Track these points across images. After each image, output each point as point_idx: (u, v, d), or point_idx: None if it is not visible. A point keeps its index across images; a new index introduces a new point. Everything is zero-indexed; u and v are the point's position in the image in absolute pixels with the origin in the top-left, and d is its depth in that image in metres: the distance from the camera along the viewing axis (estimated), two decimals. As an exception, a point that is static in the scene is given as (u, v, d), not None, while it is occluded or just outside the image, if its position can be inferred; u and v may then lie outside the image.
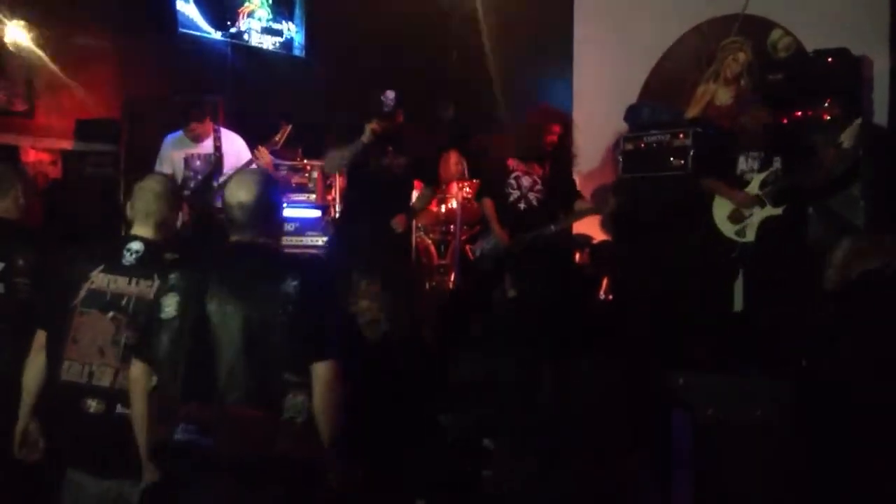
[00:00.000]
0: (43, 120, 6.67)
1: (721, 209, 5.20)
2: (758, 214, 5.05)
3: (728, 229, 5.17)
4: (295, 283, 2.62)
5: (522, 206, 5.55)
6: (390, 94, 5.22)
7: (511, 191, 5.56)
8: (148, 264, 2.92)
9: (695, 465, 4.06)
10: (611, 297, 6.22)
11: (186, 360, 2.63)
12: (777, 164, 5.03)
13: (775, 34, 6.27)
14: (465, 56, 7.68)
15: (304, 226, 6.38)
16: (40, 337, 3.03)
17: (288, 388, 2.59)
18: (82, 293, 2.92)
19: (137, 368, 2.71)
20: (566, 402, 2.64)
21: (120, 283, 2.90)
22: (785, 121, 5.45)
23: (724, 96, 6.61)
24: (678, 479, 4.04)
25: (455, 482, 2.80)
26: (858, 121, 4.96)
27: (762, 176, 5.05)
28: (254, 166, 5.60)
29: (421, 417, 2.99)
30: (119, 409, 2.85)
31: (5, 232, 3.61)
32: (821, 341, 3.66)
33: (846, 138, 4.84)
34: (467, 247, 6.80)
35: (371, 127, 5.16)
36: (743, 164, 5.15)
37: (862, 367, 3.36)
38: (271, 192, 2.83)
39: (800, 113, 5.45)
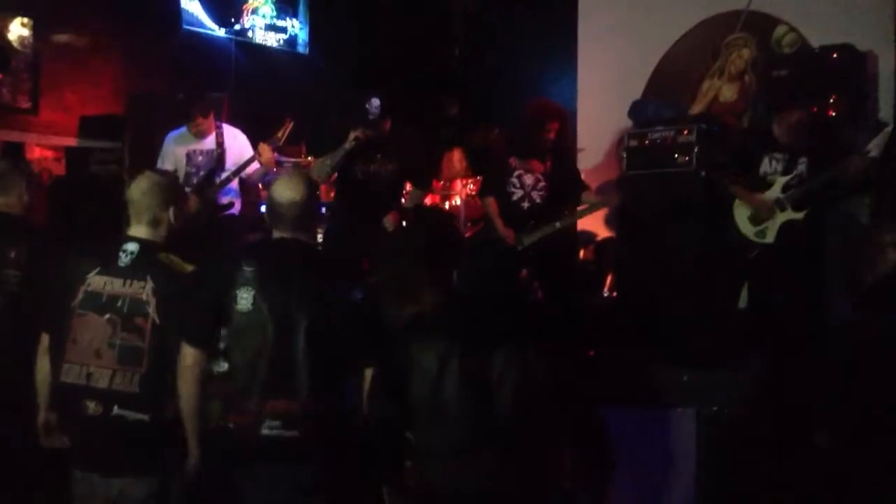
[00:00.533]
0: (47, 117, 6.68)
1: (742, 209, 5.13)
2: (779, 218, 4.98)
3: (749, 230, 5.09)
4: (360, 294, 2.94)
5: (526, 204, 5.53)
6: (375, 102, 5.27)
7: (514, 189, 5.53)
8: (142, 265, 2.92)
9: (698, 461, 4.07)
10: (615, 294, 6.21)
11: (267, 356, 2.80)
12: (802, 166, 4.94)
13: (780, 30, 6.24)
14: (470, 53, 7.68)
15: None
16: (44, 339, 3.04)
17: (345, 389, 2.89)
18: (80, 295, 2.92)
19: (190, 355, 2.82)
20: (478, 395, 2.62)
21: (115, 285, 2.90)
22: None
23: (728, 92, 6.58)
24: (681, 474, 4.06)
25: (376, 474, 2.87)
26: (888, 129, 4.85)
27: (785, 179, 4.97)
28: (255, 164, 5.59)
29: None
30: (116, 410, 2.86)
31: (9, 227, 3.62)
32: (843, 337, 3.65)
33: (874, 147, 4.71)
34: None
35: (355, 134, 5.19)
36: (767, 165, 5.04)
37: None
38: (316, 193, 3.09)
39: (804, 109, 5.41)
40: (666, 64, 6.88)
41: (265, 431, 2.79)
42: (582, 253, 6.66)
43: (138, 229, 2.99)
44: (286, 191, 2.91)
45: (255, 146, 5.78)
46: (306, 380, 2.81)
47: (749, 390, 4.34)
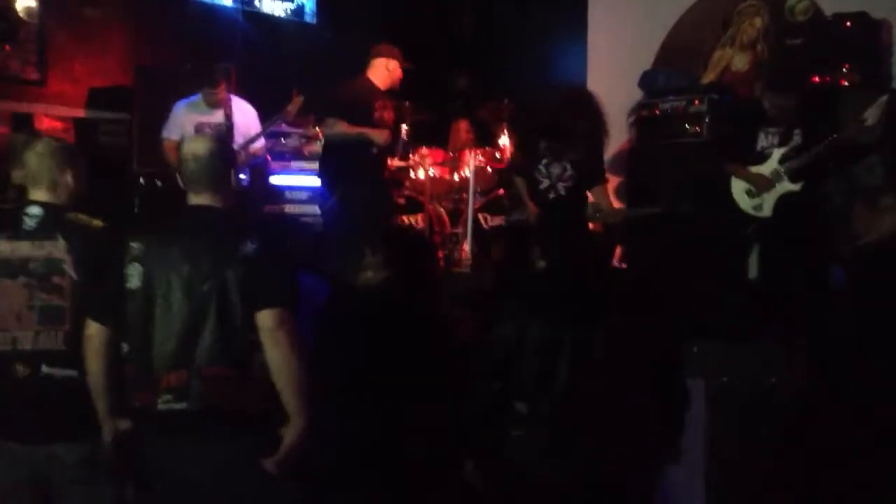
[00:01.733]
0: (56, 88, 6.67)
1: (739, 183, 5.12)
2: (775, 190, 4.97)
3: (745, 204, 5.09)
4: (254, 245, 2.71)
5: (552, 195, 5.36)
6: None
7: (541, 178, 5.37)
8: (50, 226, 2.92)
9: (708, 434, 4.08)
10: (624, 265, 6.20)
11: (158, 329, 2.70)
12: (797, 138, 4.92)
13: (793, -2, 6.17)
14: (479, 23, 7.62)
15: (317, 194, 6.35)
16: None
17: (254, 347, 2.68)
18: None
19: (92, 328, 2.77)
20: (586, 370, 2.71)
21: (24, 248, 2.90)
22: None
23: (740, 62, 6.52)
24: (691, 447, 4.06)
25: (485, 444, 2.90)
26: (884, 98, 4.78)
27: (782, 151, 4.96)
28: (261, 141, 5.62)
29: (450, 382, 3.05)
30: (44, 369, 2.87)
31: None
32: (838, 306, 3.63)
33: (870, 115, 4.69)
34: (480, 215, 6.79)
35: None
36: (763, 140, 5.04)
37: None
38: (226, 150, 2.98)
39: (817, 79, 5.37)
40: (677, 33, 6.81)
41: (161, 406, 2.69)
42: (591, 224, 6.62)
43: (38, 193, 2.99)
44: (193, 145, 2.87)
45: (261, 117, 5.77)
46: (200, 347, 2.68)
47: (759, 362, 4.33)
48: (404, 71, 5.78)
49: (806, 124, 4.89)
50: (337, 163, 5.64)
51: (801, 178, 4.87)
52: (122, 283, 2.73)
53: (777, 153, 4.96)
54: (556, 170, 5.39)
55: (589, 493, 2.79)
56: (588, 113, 5.37)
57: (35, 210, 2.95)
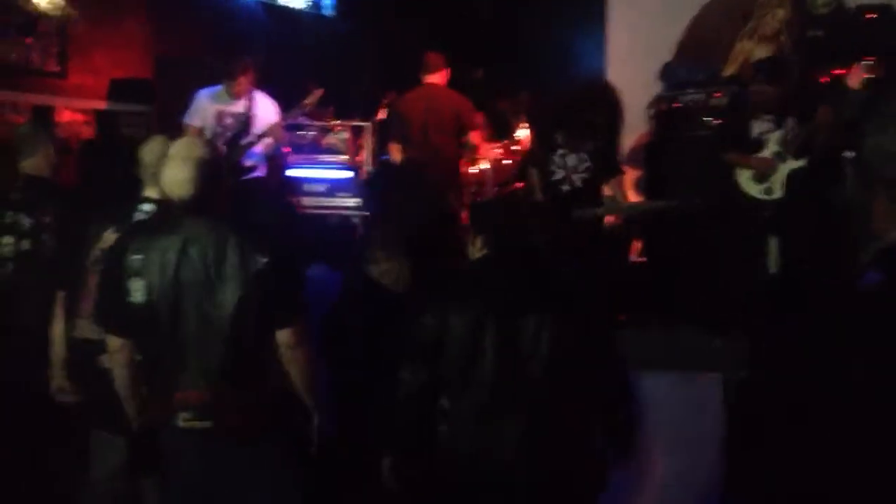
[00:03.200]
0: (76, 80, 6.70)
1: (743, 171, 5.11)
2: (782, 169, 4.96)
3: (754, 190, 5.08)
4: (265, 260, 2.67)
5: (566, 187, 5.33)
6: None
7: (556, 169, 5.34)
8: (160, 222, 2.93)
9: (726, 427, 4.05)
10: (643, 259, 6.17)
11: (168, 344, 2.68)
12: (791, 121, 4.96)
13: (815, -11, 6.10)
14: (497, 16, 7.59)
15: (335, 187, 6.36)
16: (60, 297, 3.12)
17: (268, 360, 2.72)
18: (95, 252, 2.98)
19: (114, 342, 2.78)
20: (513, 360, 2.64)
21: None
22: (826, 79, 5.32)
23: (761, 54, 6.44)
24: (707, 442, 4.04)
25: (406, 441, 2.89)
26: (865, 62, 4.86)
27: (779, 133, 4.97)
28: (268, 139, 5.64)
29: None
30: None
31: (35, 189, 3.66)
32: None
33: (850, 80, 4.78)
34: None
35: None
36: (758, 127, 5.06)
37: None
38: (211, 165, 2.76)
39: (840, 70, 5.31)
40: (697, 25, 6.75)
41: (179, 423, 2.70)
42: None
43: (151, 190, 3.04)
44: (179, 175, 2.69)
45: (282, 109, 5.78)
46: (219, 365, 2.67)
47: (777, 356, 4.29)
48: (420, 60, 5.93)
49: (796, 110, 4.93)
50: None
51: (804, 154, 4.85)
52: (127, 298, 2.69)
53: (775, 136, 4.97)
54: (571, 161, 5.35)
55: (516, 491, 2.72)
56: (606, 104, 5.37)
57: (147, 207, 3.02)
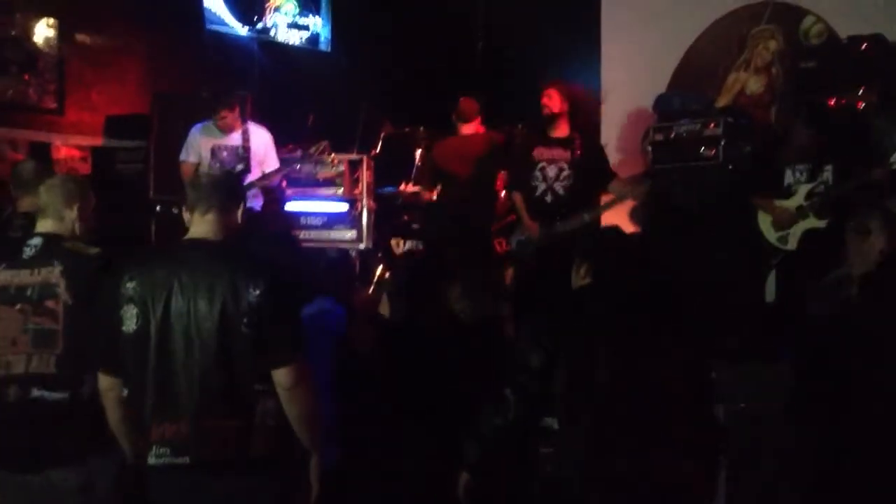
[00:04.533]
0: (73, 117, 6.74)
1: (766, 214, 5.14)
2: (801, 225, 4.98)
3: (771, 235, 5.12)
4: (258, 291, 2.57)
5: (549, 198, 5.48)
6: None
7: (537, 183, 5.49)
8: (47, 253, 2.98)
9: (728, 457, 4.02)
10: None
11: (153, 375, 2.59)
12: (827, 173, 4.94)
13: (807, 21, 6.15)
14: (492, 48, 7.64)
15: (332, 220, 6.36)
16: None
17: (259, 395, 2.61)
18: None
19: (105, 381, 2.72)
20: (622, 387, 2.70)
21: (23, 276, 2.95)
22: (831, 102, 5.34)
23: (755, 85, 6.50)
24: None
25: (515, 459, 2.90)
26: None
27: (809, 186, 4.98)
28: (276, 177, 5.67)
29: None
30: (34, 392, 2.89)
31: (33, 227, 3.64)
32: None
33: None
34: (495, 241, 6.77)
35: None
36: (790, 176, 5.08)
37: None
38: (234, 181, 2.95)
39: (833, 101, 5.35)
40: (691, 56, 6.80)
41: (151, 461, 2.58)
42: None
43: (43, 224, 3.07)
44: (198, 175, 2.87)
45: (278, 146, 5.80)
46: (200, 396, 2.56)
47: (776, 386, 4.28)
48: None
49: (837, 160, 4.89)
50: None
51: (827, 215, 4.85)
52: (120, 327, 2.62)
53: (804, 189, 4.98)
54: (551, 172, 5.45)
55: None
56: (549, 89, 5.48)
57: (35, 240, 3.02)
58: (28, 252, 2.99)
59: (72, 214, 3.07)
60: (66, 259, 2.95)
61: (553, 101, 5.50)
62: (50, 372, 2.90)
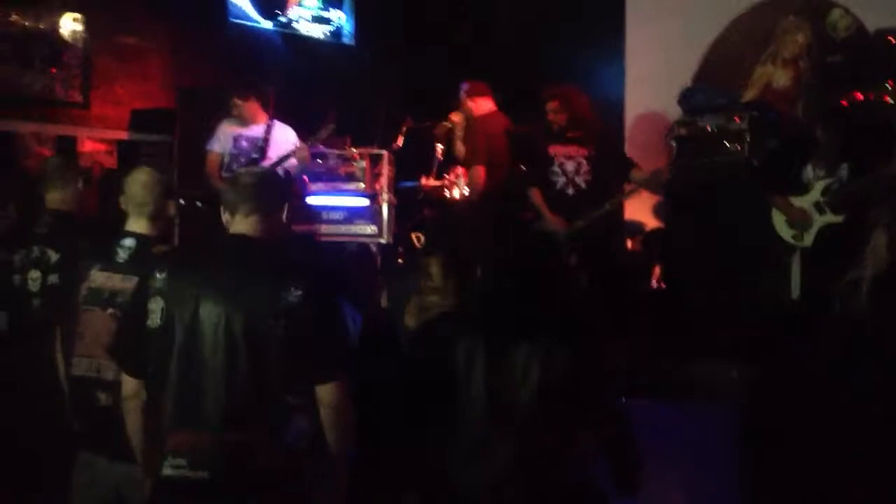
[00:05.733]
0: (99, 110, 6.78)
1: (780, 211, 5.12)
2: (817, 221, 4.95)
3: (786, 233, 5.12)
4: (299, 292, 2.33)
5: (571, 191, 5.54)
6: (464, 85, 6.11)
7: (556, 178, 5.55)
8: (140, 260, 2.93)
9: (741, 457, 3.99)
10: (664, 285, 6.11)
11: (176, 377, 2.37)
12: (843, 171, 4.92)
13: (835, 14, 6.06)
14: (517, 41, 7.59)
15: (353, 214, 6.38)
16: (58, 333, 3.10)
17: (290, 412, 2.36)
18: (84, 291, 2.97)
19: (129, 386, 2.57)
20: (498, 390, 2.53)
21: (115, 280, 2.93)
22: (845, 103, 5.29)
23: (782, 78, 6.41)
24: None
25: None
26: None
27: (825, 182, 4.95)
28: (293, 160, 5.65)
29: None
30: None
31: (62, 224, 3.68)
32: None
33: None
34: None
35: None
36: (809, 172, 5.09)
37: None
38: (276, 179, 2.73)
39: (861, 95, 5.27)
40: (717, 50, 6.72)
41: (166, 471, 2.34)
42: (630, 243, 6.57)
43: (135, 223, 3.01)
44: (244, 174, 2.66)
45: (301, 138, 5.82)
46: (225, 405, 2.32)
47: (795, 386, 4.24)
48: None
49: (854, 157, 4.86)
50: None
51: (845, 210, 4.81)
52: (144, 321, 2.43)
53: (820, 185, 4.98)
54: (570, 167, 5.51)
55: None
56: (552, 103, 5.52)
57: (128, 242, 2.96)
58: (121, 255, 2.95)
59: (165, 214, 3.05)
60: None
61: (559, 115, 5.56)
62: None
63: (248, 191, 2.52)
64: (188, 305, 2.38)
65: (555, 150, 5.57)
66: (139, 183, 3.01)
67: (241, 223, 2.50)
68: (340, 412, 2.39)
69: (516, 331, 2.50)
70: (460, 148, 6.21)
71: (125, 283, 2.91)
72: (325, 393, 2.36)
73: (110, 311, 2.91)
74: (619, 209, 6.08)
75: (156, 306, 2.41)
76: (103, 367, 2.92)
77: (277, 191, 2.68)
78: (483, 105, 6.08)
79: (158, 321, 2.41)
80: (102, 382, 2.92)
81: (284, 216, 2.75)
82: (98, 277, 2.95)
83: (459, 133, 6.17)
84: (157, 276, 2.45)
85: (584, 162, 5.50)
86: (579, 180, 5.51)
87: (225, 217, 2.56)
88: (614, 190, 5.67)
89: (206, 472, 2.31)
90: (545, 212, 5.55)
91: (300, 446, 2.39)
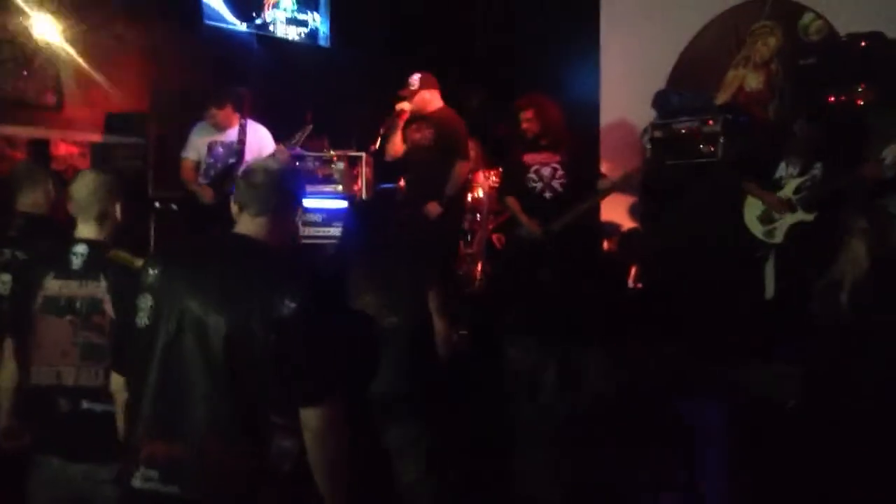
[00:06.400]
0: (72, 113, 6.69)
1: (752, 208, 5.21)
2: (788, 218, 5.02)
3: (757, 229, 5.19)
4: (293, 305, 2.16)
5: (548, 195, 5.58)
6: (414, 76, 5.75)
7: (534, 183, 5.59)
8: (94, 265, 2.91)
9: (729, 455, 4.03)
10: (640, 285, 6.17)
11: (154, 382, 2.23)
12: (817, 170, 4.99)
13: (807, 18, 6.16)
14: (493, 44, 7.63)
15: (331, 216, 6.38)
16: (8, 344, 3.04)
17: (275, 430, 2.21)
18: (39, 300, 2.93)
19: (115, 380, 2.53)
20: (572, 393, 2.58)
21: (71, 287, 2.90)
22: (832, 99, 5.36)
23: (754, 81, 6.51)
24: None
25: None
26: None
27: (798, 181, 5.03)
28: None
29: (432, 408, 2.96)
30: (84, 404, 2.88)
31: (33, 227, 3.64)
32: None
33: (889, 154, 4.69)
34: (493, 236, 6.79)
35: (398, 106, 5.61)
36: (782, 169, 5.14)
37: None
38: (292, 179, 2.48)
39: (832, 98, 5.36)
40: (690, 53, 6.81)
41: (136, 483, 2.19)
42: (606, 244, 6.63)
43: (84, 228, 2.98)
44: (253, 172, 2.43)
45: (276, 141, 5.80)
46: (205, 416, 2.16)
47: (778, 383, 4.30)
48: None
49: (828, 157, 4.93)
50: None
51: (815, 209, 4.89)
52: (133, 318, 2.31)
53: (793, 183, 5.03)
54: (546, 172, 5.56)
55: None
56: (526, 112, 5.55)
57: (81, 248, 2.93)
58: (75, 262, 2.92)
59: (114, 215, 3.00)
60: (112, 273, 2.88)
61: (533, 123, 5.57)
62: (98, 385, 2.86)
63: (260, 190, 2.36)
64: (175, 306, 2.23)
65: (530, 157, 5.62)
66: (82, 186, 2.97)
67: (247, 223, 2.37)
68: (325, 440, 2.21)
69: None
70: (397, 142, 5.94)
71: (82, 290, 2.89)
72: (310, 417, 2.19)
73: (69, 317, 2.89)
74: (595, 211, 6.13)
75: (144, 304, 2.29)
76: (63, 373, 2.90)
77: (292, 191, 2.48)
78: (436, 99, 5.88)
79: (146, 320, 2.28)
80: (63, 388, 2.89)
81: (298, 219, 2.52)
82: (53, 285, 2.92)
83: (399, 124, 5.89)
84: (150, 271, 2.32)
85: (559, 167, 5.55)
86: (556, 184, 5.56)
87: (234, 209, 2.41)
88: (589, 193, 5.72)
89: (178, 487, 2.16)
90: (522, 217, 5.61)
91: (282, 468, 2.23)
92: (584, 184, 5.63)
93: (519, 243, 5.69)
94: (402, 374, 3.35)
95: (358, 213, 4.06)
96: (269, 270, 2.27)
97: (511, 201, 5.73)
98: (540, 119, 5.57)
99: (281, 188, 2.39)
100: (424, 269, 3.49)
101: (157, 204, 6.25)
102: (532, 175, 5.58)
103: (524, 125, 5.61)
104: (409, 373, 3.36)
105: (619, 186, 5.77)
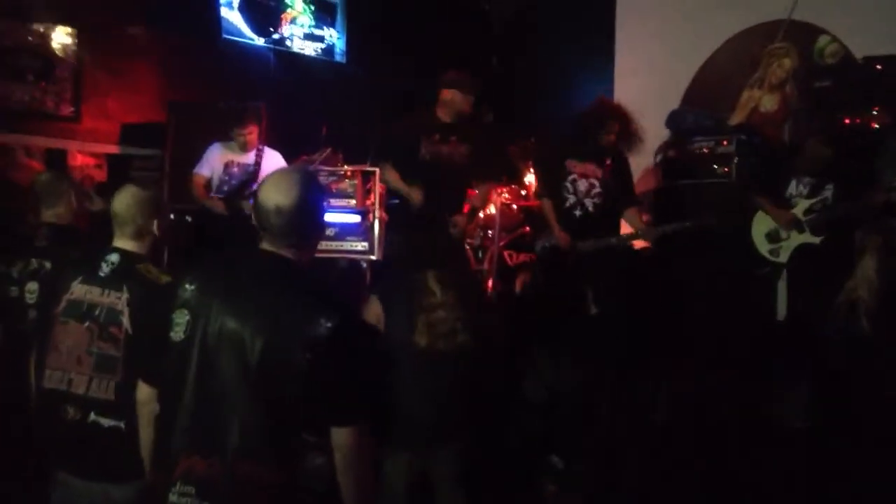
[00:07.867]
0: (89, 124, 6.78)
1: (760, 225, 5.19)
2: (795, 239, 5.01)
3: (763, 247, 5.16)
4: (329, 325, 2.17)
5: (578, 213, 5.38)
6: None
7: (567, 195, 5.39)
8: (120, 275, 2.93)
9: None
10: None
11: (191, 398, 2.25)
12: (828, 191, 4.98)
13: (822, 40, 6.17)
14: (507, 62, 7.66)
15: (344, 231, 6.37)
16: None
17: (307, 449, 2.24)
18: (63, 303, 2.95)
19: (143, 392, 2.55)
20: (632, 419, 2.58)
21: (94, 294, 2.92)
22: (847, 121, 5.36)
23: (769, 103, 6.52)
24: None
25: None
26: None
27: (809, 202, 5.02)
28: None
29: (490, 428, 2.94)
30: (92, 416, 2.87)
31: (60, 237, 3.68)
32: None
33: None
34: (505, 252, 6.79)
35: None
36: (793, 188, 5.12)
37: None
38: (315, 195, 2.40)
39: (848, 121, 5.36)
40: (705, 73, 6.83)
41: (173, 499, 2.20)
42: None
43: (121, 241, 3.01)
44: (274, 193, 2.32)
45: (291, 159, 5.83)
46: (240, 433, 2.17)
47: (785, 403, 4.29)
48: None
49: (840, 179, 4.92)
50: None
51: (822, 233, 4.89)
52: (168, 333, 2.32)
53: (803, 203, 5.01)
54: (582, 186, 5.38)
55: None
56: (614, 124, 5.32)
57: (113, 257, 2.96)
58: (104, 269, 2.94)
59: (152, 231, 3.02)
60: (136, 286, 2.89)
61: (615, 136, 5.34)
62: (109, 398, 2.86)
63: (276, 221, 2.31)
64: (212, 323, 2.24)
65: (572, 164, 5.40)
66: (123, 201, 3.01)
67: (273, 241, 2.34)
68: (354, 459, 2.24)
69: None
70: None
71: (103, 298, 2.90)
72: (340, 436, 2.23)
73: (87, 324, 2.90)
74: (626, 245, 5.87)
75: (181, 319, 2.30)
76: (74, 381, 2.90)
77: (309, 225, 2.41)
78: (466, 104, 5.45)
79: (182, 335, 2.29)
80: (72, 396, 2.89)
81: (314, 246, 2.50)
82: (79, 290, 2.94)
83: None
84: (187, 286, 2.33)
85: (598, 185, 5.36)
86: (589, 203, 5.37)
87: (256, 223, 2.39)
88: (617, 218, 5.51)
89: (213, 503, 2.18)
90: (554, 225, 5.40)
91: (316, 487, 2.28)
92: (617, 206, 5.44)
93: (544, 252, 5.56)
94: (455, 397, 3.34)
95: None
96: (305, 290, 2.29)
97: (546, 204, 5.50)
98: (627, 136, 5.38)
99: (296, 223, 2.32)
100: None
101: (172, 216, 6.28)
102: (568, 185, 5.38)
103: (611, 136, 5.34)
104: (461, 396, 3.35)
105: (642, 236, 5.50)
